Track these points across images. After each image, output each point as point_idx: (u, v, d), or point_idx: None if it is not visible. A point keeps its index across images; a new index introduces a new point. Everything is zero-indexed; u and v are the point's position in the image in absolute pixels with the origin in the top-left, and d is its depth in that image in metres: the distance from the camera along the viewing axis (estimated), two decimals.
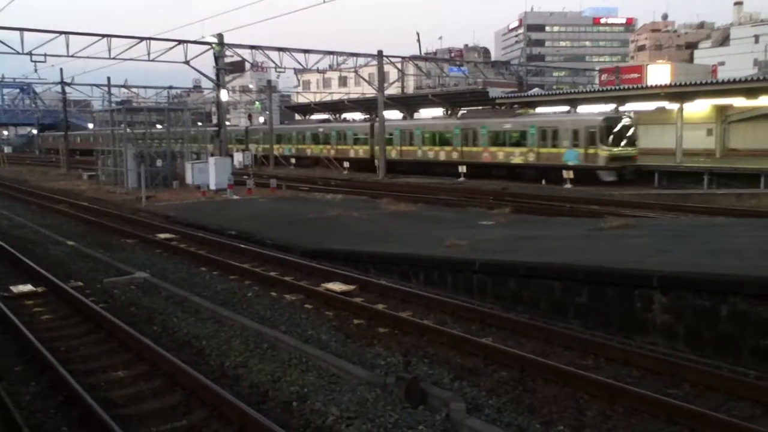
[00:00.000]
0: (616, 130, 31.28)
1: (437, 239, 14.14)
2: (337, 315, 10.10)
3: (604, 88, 43.55)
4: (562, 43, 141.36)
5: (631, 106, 40.71)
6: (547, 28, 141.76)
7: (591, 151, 31.13)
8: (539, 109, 41.16)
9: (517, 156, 34.93)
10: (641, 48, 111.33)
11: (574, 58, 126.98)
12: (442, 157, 39.12)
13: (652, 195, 26.33)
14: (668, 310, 8.79)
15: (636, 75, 59.35)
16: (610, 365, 7.89)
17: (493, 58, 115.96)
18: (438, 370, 7.71)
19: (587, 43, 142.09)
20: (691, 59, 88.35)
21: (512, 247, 12.94)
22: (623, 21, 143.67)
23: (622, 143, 31.36)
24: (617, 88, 40.11)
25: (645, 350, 8.22)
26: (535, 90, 49.98)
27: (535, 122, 34.96)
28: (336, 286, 11.34)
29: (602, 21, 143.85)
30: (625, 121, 32.11)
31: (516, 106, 42.05)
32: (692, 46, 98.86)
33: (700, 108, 37.16)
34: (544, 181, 32.06)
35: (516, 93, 47.13)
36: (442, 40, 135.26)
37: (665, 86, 34.27)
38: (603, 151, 30.76)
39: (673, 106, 34.41)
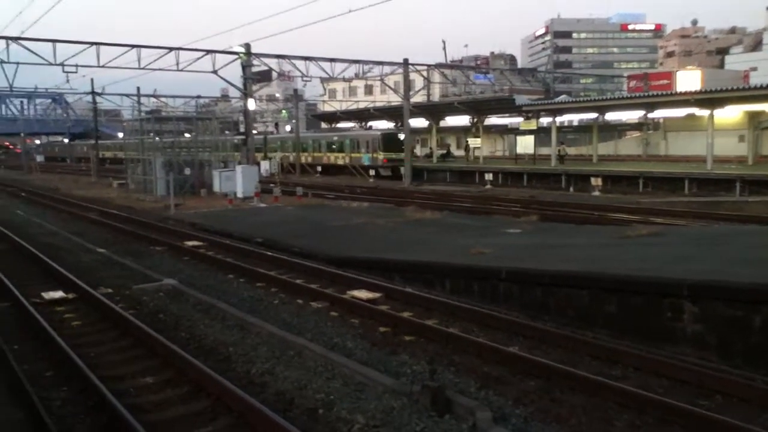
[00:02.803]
0: (390, 141, 45.81)
1: (463, 247, 14.09)
2: (363, 322, 10.09)
3: (633, 95, 43.08)
4: (590, 50, 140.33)
5: (660, 113, 40.27)
6: (574, 35, 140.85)
7: (375, 155, 46.36)
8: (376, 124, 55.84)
9: (340, 159, 50.78)
10: (670, 54, 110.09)
11: (602, 65, 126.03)
12: (305, 160, 54.30)
13: (682, 202, 25.93)
14: (699, 320, 8.63)
15: (665, 81, 58.59)
16: (638, 375, 7.77)
17: (519, 66, 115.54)
18: (464, 378, 7.66)
19: (615, 50, 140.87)
20: (721, 65, 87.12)
21: (539, 255, 12.83)
22: (651, 27, 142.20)
23: (396, 149, 44.49)
24: (646, 94, 39.64)
25: (675, 360, 8.07)
26: (563, 97, 49.64)
27: (348, 136, 51.68)
28: (361, 294, 11.33)
29: (630, 27, 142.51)
30: (400, 135, 45.14)
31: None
32: (723, 51, 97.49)
33: (731, 114, 36.60)
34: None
35: (542, 100, 46.88)
36: (468, 47, 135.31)
37: (695, 92, 33.81)
38: (380, 155, 45.77)
39: (704, 113, 33.92)
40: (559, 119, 43.31)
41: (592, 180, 31.30)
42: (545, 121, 42.76)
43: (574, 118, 53.14)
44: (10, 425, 6.56)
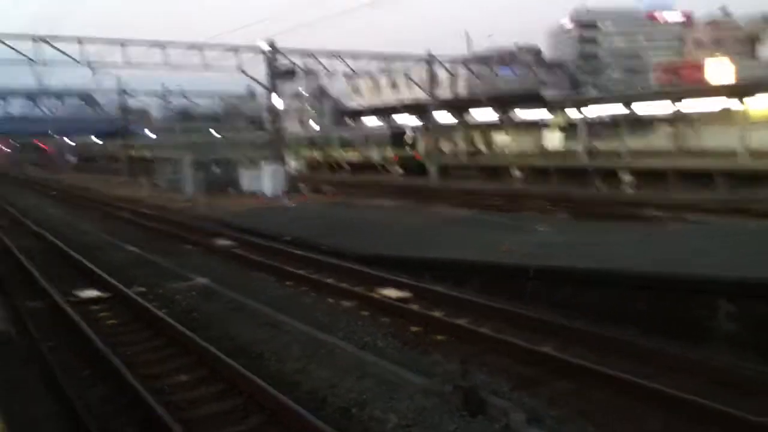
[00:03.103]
0: (398, 139, 47.91)
1: (491, 244, 14.03)
2: (393, 322, 10.09)
3: (663, 87, 42.44)
4: (616, 41, 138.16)
5: (691, 105, 39.65)
6: (600, 26, 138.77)
7: (386, 153, 48.14)
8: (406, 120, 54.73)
9: (350, 156, 52.13)
10: (700, 44, 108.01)
11: (629, 56, 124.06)
12: (318, 158, 55.14)
13: (716, 198, 25.45)
14: (735, 318, 8.48)
15: (696, 72, 57.53)
16: (672, 375, 7.66)
17: (545, 58, 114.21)
18: (496, 378, 7.63)
19: (642, 40, 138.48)
20: (753, 53, 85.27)
21: (569, 252, 12.71)
22: (680, 16, 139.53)
23: (405, 147, 47.32)
24: (676, 87, 39.04)
25: (710, 360, 7.94)
26: (589, 90, 49.07)
27: (357, 134, 54.01)
28: (391, 293, 11.35)
29: (658, 17, 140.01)
30: (408, 133, 48.72)
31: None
32: (755, 39, 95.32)
33: (766, 105, 35.81)
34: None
35: (569, 94, 46.39)
36: (492, 37, 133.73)
37: (728, 84, 33.17)
38: (390, 152, 47.63)
39: (737, 105, 33.26)
40: (587, 113, 42.81)
41: (623, 175, 30.92)
42: (573, 115, 42.28)
43: (602, 111, 52.46)
44: (49, 423, 6.70)
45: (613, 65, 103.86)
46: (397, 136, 48.84)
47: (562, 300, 10.57)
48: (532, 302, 10.87)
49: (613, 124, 50.22)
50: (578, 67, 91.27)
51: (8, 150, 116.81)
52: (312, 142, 58.24)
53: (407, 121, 56.53)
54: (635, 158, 39.34)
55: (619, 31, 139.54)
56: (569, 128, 42.72)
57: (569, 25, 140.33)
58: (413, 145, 47.78)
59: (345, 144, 54.40)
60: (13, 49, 29.06)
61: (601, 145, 47.81)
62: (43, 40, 29.31)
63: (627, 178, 30.59)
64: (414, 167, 44.89)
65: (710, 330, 8.71)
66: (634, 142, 48.75)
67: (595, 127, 50.12)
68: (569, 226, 17.67)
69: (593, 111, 41.34)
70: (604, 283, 10.05)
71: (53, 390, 7.42)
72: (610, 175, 32.40)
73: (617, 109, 41.16)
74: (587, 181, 33.79)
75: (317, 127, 73.03)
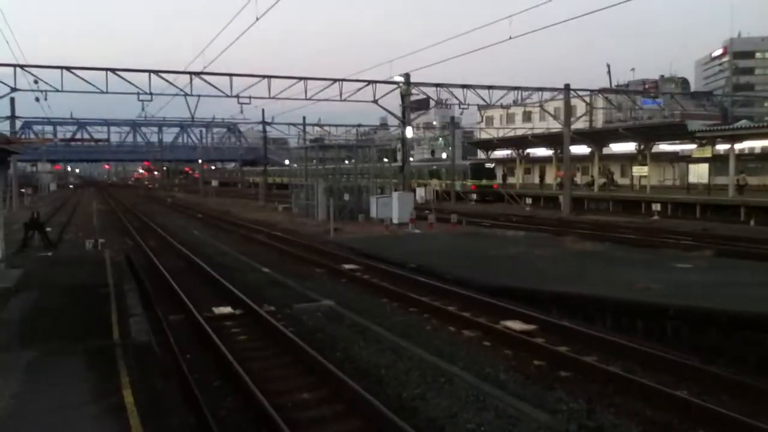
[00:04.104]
0: (478, 170, 54.00)
1: (626, 281, 13.32)
2: (517, 354, 9.78)
3: None
4: None
5: None
6: (758, 55, 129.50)
7: (465, 182, 53.06)
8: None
9: (438, 186, 54.31)
10: None
11: None
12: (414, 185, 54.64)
13: None
14: None
15: None
16: None
17: (692, 89, 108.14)
18: (625, 421, 7.14)
19: None
20: None
21: (713, 293, 11.79)
22: None
23: (483, 178, 53.07)
24: None
25: None
26: (743, 122, 45.68)
27: (444, 165, 58.08)
28: (515, 325, 11.02)
29: None
30: (486, 165, 55.51)
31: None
32: None
33: None
34: None
35: (719, 125, 43.47)
36: (635, 71, 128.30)
37: None
38: (469, 182, 52.96)
39: None
40: (738, 146, 39.85)
41: None
42: (722, 148, 39.52)
43: (757, 144, 48.62)
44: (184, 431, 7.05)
45: None
46: (476, 167, 54.70)
47: (706, 343, 9.78)
48: (669, 344, 10.15)
49: None
50: (729, 98, 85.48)
51: (158, 174, 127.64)
52: (415, 171, 60.16)
53: (539, 152, 55.68)
54: None
55: None
56: (717, 161, 39.90)
57: (721, 55, 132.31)
58: (492, 176, 54.08)
59: (424, 174, 58.84)
60: (171, 84, 31.70)
61: (754, 179, 44.29)
62: (198, 75, 31.73)
63: None
64: (490, 196, 50.88)
65: None
66: None
67: (747, 160, 46.57)
68: (714, 264, 16.40)
69: (747, 144, 38.36)
70: (753, 328, 9.18)
71: (188, 399, 7.82)
72: (764, 212, 29.85)
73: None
74: (736, 218, 31.37)
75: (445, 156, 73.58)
